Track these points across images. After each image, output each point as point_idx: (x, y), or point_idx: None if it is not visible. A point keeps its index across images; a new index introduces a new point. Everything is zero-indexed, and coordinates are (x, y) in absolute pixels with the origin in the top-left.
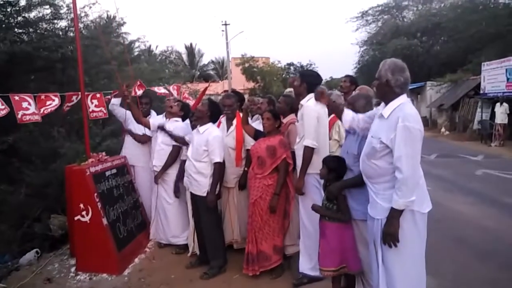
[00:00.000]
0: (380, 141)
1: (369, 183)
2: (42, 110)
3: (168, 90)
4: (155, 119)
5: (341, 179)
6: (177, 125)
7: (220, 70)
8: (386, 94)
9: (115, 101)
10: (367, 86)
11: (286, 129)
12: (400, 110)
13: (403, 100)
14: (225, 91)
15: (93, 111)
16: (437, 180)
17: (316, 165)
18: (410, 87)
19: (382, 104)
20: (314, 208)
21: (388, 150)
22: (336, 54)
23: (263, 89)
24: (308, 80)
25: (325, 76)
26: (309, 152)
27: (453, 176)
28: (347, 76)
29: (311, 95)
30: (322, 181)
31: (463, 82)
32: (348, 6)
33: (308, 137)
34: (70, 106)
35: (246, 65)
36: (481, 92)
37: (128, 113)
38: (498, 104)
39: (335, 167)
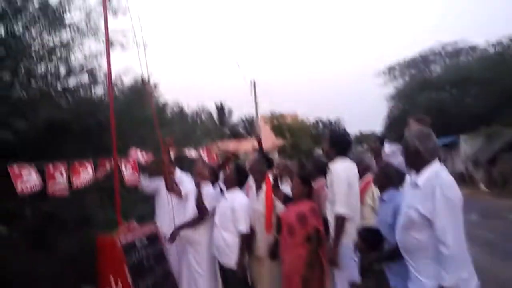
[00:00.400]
0: (417, 212)
1: (408, 258)
2: (74, 181)
3: (199, 153)
4: (184, 186)
5: (377, 252)
6: (207, 192)
7: (250, 127)
8: (417, 163)
9: (145, 180)
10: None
11: (317, 194)
12: (435, 178)
13: (436, 167)
14: (255, 149)
15: (128, 179)
16: (481, 244)
17: (350, 233)
18: (443, 142)
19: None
20: (351, 287)
21: (427, 222)
22: (365, 108)
23: (293, 146)
24: (338, 143)
25: (354, 130)
26: (341, 221)
27: (498, 239)
28: (374, 136)
29: (341, 158)
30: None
31: (499, 135)
32: (375, 61)
33: (340, 204)
34: (104, 173)
35: (275, 122)
36: None
37: (159, 180)
38: None
39: (370, 240)
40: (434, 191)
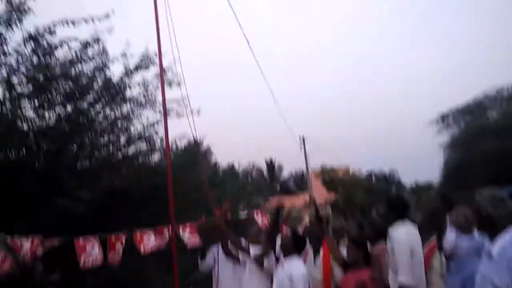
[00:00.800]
0: (493, 284)
1: None
2: (140, 248)
3: (253, 217)
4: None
5: None
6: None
7: (300, 182)
8: (490, 228)
9: (203, 264)
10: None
11: (377, 259)
12: (510, 247)
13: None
14: (306, 204)
15: (188, 243)
16: None
17: None
18: (509, 191)
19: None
20: None
21: None
22: (420, 158)
23: (346, 200)
24: (396, 207)
25: (409, 181)
26: None
27: None
28: (437, 194)
29: (400, 222)
30: None
31: None
32: (427, 109)
33: (403, 273)
34: (164, 241)
35: (326, 176)
36: None
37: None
38: None
39: None
40: (509, 261)
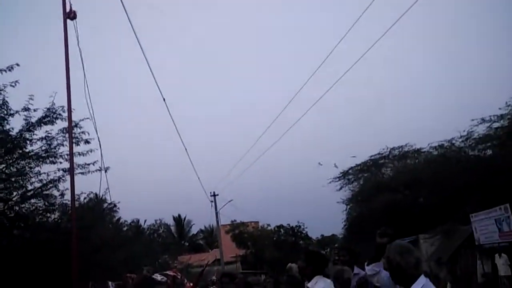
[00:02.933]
0: None
1: None
2: None
3: (167, 277)
4: None
5: None
6: None
7: (210, 238)
8: (402, 278)
9: None
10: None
11: None
12: None
13: (422, 282)
14: (216, 260)
15: None
16: None
17: None
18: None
19: None
20: None
21: None
22: (324, 212)
23: (255, 255)
24: (315, 262)
25: (315, 234)
26: None
27: None
28: (343, 249)
29: (318, 277)
30: None
31: (455, 232)
32: (330, 168)
33: None
34: None
35: (236, 231)
36: (476, 243)
37: None
38: (497, 255)
39: None
40: None
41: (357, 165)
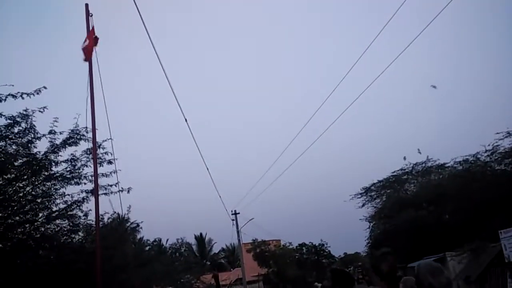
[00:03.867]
0: None
1: None
2: None
3: None
4: None
5: None
6: None
7: (231, 257)
8: None
9: None
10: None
11: None
12: None
13: None
14: (238, 279)
15: None
16: None
17: None
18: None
19: None
20: None
21: None
22: (346, 230)
23: (278, 274)
24: (341, 281)
25: (337, 252)
26: None
27: None
28: (368, 268)
29: None
30: None
31: (483, 250)
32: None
33: None
34: None
35: (258, 250)
36: (506, 261)
37: None
38: None
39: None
40: None
41: (379, 181)
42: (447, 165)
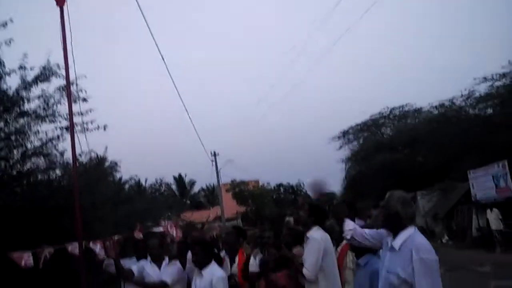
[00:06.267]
0: (397, 276)
1: None
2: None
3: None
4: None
5: None
6: (176, 268)
7: (211, 196)
8: (395, 225)
9: (108, 261)
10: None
11: (293, 262)
12: (411, 242)
13: (411, 231)
14: (217, 217)
15: (99, 254)
16: None
17: None
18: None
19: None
20: None
21: (407, 285)
22: (323, 171)
23: (256, 212)
24: (317, 214)
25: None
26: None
27: None
28: (343, 202)
29: (317, 227)
30: None
31: (453, 189)
32: (330, 127)
33: (308, 267)
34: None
35: (237, 189)
36: (473, 199)
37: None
38: (488, 210)
39: None
40: (411, 254)
41: (357, 125)
42: (423, 109)
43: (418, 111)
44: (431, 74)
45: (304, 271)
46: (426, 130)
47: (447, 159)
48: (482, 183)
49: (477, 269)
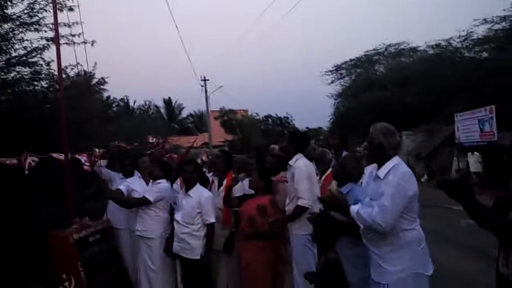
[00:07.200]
0: (378, 202)
1: (371, 246)
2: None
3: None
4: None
5: (333, 241)
6: (161, 187)
7: (199, 123)
8: (380, 156)
9: (102, 162)
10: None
11: (273, 187)
12: (395, 170)
13: (396, 161)
14: (204, 143)
15: (84, 164)
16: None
17: (309, 225)
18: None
19: (374, 165)
20: (307, 277)
21: None
22: (312, 105)
23: (243, 141)
24: (297, 141)
25: (301, 126)
26: (302, 211)
27: (438, 227)
28: (336, 133)
29: (299, 155)
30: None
31: (438, 131)
32: (323, 60)
33: (303, 197)
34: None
35: (225, 118)
36: (456, 141)
37: (114, 174)
38: (469, 153)
39: (326, 230)
40: (394, 181)
41: (351, 60)
42: (419, 48)
43: (414, 50)
44: (432, 12)
45: (301, 201)
46: (419, 70)
47: (436, 101)
48: (467, 126)
49: (451, 207)
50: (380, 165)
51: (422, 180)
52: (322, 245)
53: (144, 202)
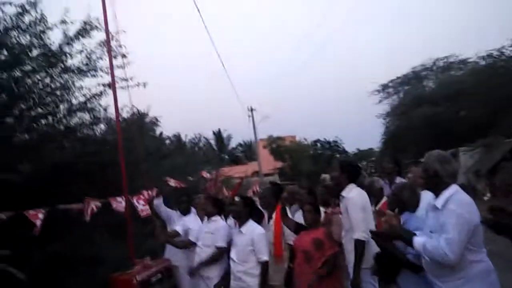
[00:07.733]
0: (440, 233)
1: (437, 281)
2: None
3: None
4: (189, 223)
5: (395, 274)
6: (218, 226)
7: (248, 152)
8: (436, 185)
9: (158, 201)
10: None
11: (327, 219)
12: (454, 199)
13: (454, 189)
14: (255, 172)
15: (142, 210)
16: (494, 257)
17: (368, 258)
18: None
19: (431, 194)
20: None
21: None
22: (361, 126)
23: (293, 168)
24: (349, 170)
25: (351, 148)
26: (361, 245)
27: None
28: (387, 155)
29: (352, 185)
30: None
31: (497, 145)
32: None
33: (358, 229)
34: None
35: (274, 145)
36: None
37: (172, 212)
38: None
39: (386, 263)
40: (449, 208)
41: (397, 78)
42: (469, 60)
43: (464, 62)
44: (478, 22)
45: (358, 235)
46: (471, 82)
47: (492, 113)
48: None
49: None
50: (437, 194)
51: (485, 198)
52: (384, 279)
53: (222, 253)
